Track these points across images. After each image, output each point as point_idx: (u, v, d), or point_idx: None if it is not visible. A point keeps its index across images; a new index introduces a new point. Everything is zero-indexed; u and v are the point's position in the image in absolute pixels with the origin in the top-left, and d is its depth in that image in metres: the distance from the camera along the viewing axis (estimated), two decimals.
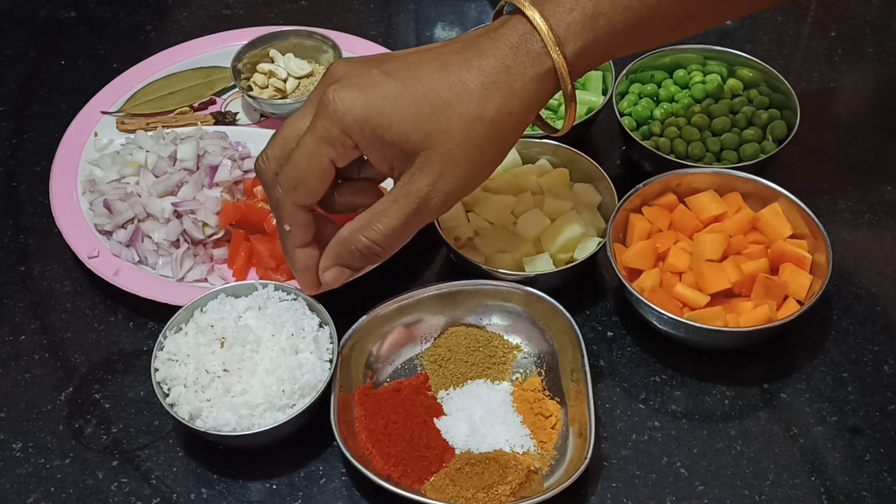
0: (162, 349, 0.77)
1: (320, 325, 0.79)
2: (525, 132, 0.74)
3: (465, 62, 0.69)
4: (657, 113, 0.94)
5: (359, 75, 0.69)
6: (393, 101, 0.68)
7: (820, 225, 0.81)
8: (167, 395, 0.75)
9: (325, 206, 0.75)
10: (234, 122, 1.01)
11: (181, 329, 0.79)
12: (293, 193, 0.72)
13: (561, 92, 0.71)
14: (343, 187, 0.75)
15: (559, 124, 0.77)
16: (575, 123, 0.91)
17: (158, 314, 0.83)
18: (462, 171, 0.69)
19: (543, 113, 0.83)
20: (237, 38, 1.05)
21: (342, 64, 0.71)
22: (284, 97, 1.01)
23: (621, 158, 0.97)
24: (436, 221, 0.85)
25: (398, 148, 0.69)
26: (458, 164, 0.69)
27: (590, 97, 0.95)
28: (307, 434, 0.76)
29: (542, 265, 0.82)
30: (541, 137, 0.89)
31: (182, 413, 0.74)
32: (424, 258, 0.89)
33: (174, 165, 0.91)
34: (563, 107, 0.80)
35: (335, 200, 0.75)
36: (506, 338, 0.81)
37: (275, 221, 0.76)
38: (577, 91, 0.76)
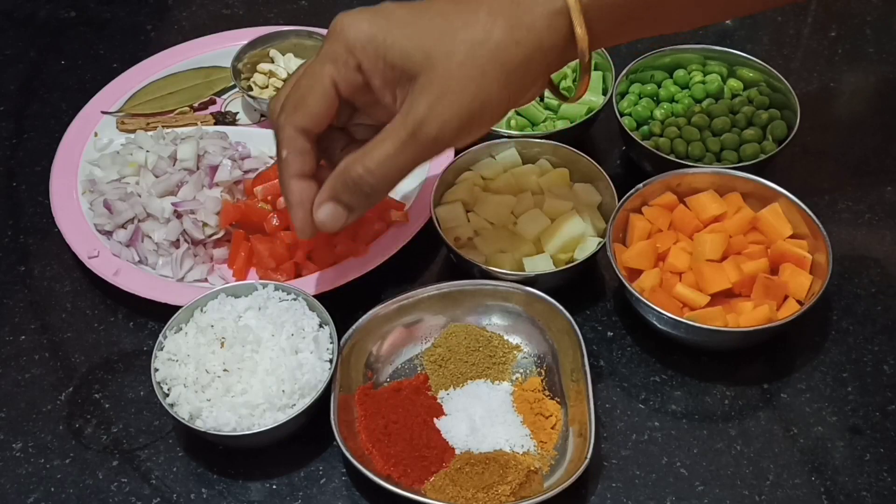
0: (162, 349, 0.77)
1: (320, 325, 0.79)
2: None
3: None
4: (657, 113, 0.94)
5: (371, 8, 0.69)
6: (399, 24, 0.67)
7: (820, 225, 0.81)
8: (167, 395, 0.75)
9: (332, 164, 0.74)
10: (234, 122, 1.01)
11: (181, 329, 0.79)
12: (293, 115, 0.70)
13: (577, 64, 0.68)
14: (351, 147, 0.74)
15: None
16: (575, 123, 0.92)
17: (158, 314, 0.83)
18: (462, 97, 0.67)
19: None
20: (237, 38, 1.05)
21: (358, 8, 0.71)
22: None
23: (621, 158, 0.97)
24: (436, 221, 0.85)
25: (399, 69, 0.67)
26: (457, 88, 0.67)
27: (590, 97, 0.95)
28: (307, 434, 0.76)
29: (542, 265, 0.82)
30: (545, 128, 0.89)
31: (182, 413, 0.74)
32: (424, 258, 0.89)
33: (174, 165, 0.91)
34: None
35: (342, 159, 0.73)
36: (506, 338, 0.81)
37: (276, 153, 0.74)
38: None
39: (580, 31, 0.67)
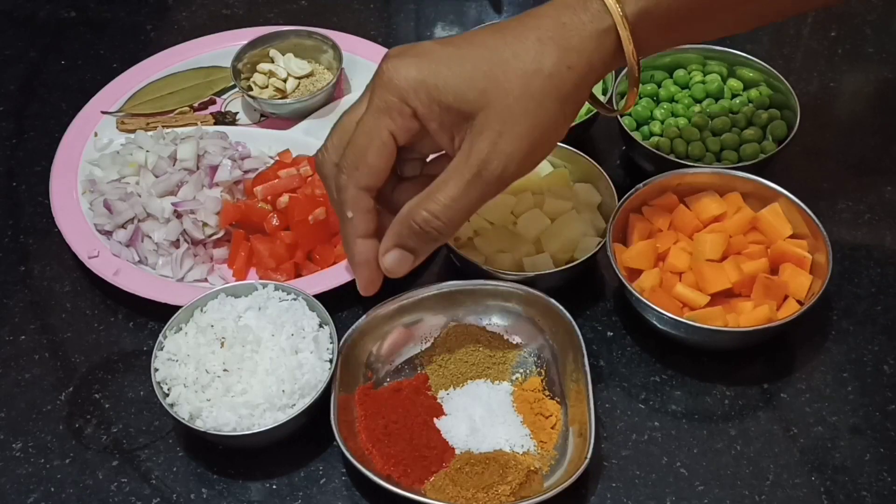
0: (162, 349, 0.77)
1: (320, 325, 0.79)
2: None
3: (520, 23, 0.67)
4: (657, 113, 0.94)
5: (413, 48, 0.68)
6: (448, 63, 0.66)
7: (820, 225, 0.81)
8: (167, 395, 0.75)
9: (385, 205, 0.73)
10: (234, 122, 1.01)
11: (181, 329, 0.79)
12: (355, 174, 0.69)
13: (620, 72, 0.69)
14: (403, 185, 0.74)
15: None
16: (575, 123, 0.92)
17: (158, 314, 0.83)
18: (522, 129, 0.66)
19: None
20: (237, 38, 1.05)
21: (397, 47, 0.70)
22: (284, 97, 1.01)
23: (621, 158, 0.97)
24: None
25: (455, 111, 0.66)
26: (517, 121, 0.66)
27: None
28: (307, 434, 0.76)
29: (542, 265, 0.82)
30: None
31: (182, 413, 0.74)
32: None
33: (174, 165, 0.91)
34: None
35: (395, 200, 0.73)
36: (506, 338, 0.81)
37: (338, 213, 0.73)
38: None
39: (629, 47, 0.67)
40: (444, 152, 0.73)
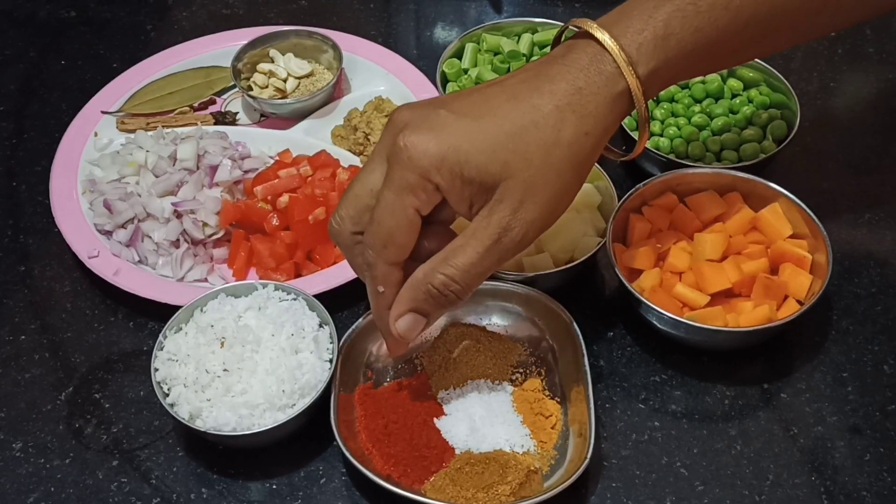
0: (162, 349, 0.77)
1: (320, 325, 0.79)
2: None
3: (535, 89, 0.67)
4: (657, 113, 0.94)
5: (427, 118, 0.67)
6: (467, 137, 0.66)
7: (820, 225, 0.81)
8: (167, 395, 0.75)
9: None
10: (234, 122, 1.01)
11: (181, 329, 0.79)
12: (384, 252, 0.68)
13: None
14: (420, 243, 0.72)
15: None
16: None
17: (158, 314, 0.83)
18: (543, 198, 0.67)
19: None
20: (237, 38, 1.05)
21: (405, 110, 0.68)
22: (284, 97, 1.01)
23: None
24: None
25: (478, 183, 0.66)
26: (538, 191, 0.66)
27: None
28: (307, 434, 0.76)
29: (542, 265, 0.82)
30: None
31: (182, 413, 0.74)
32: None
33: (174, 165, 0.91)
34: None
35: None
36: (506, 338, 0.81)
37: (367, 286, 0.72)
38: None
39: (642, 105, 0.68)
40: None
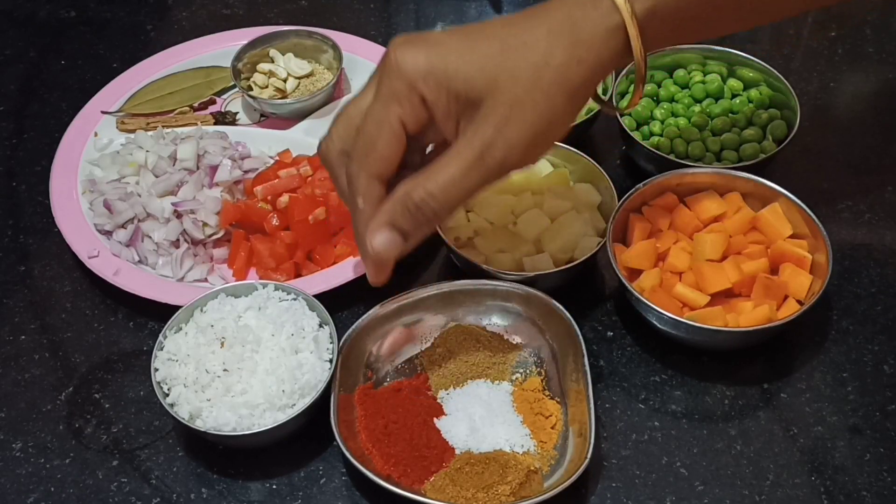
0: (162, 349, 0.77)
1: (320, 325, 0.79)
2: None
3: (530, 16, 0.68)
4: (657, 113, 0.94)
5: (421, 37, 0.68)
6: (458, 53, 0.66)
7: (820, 225, 0.81)
8: (167, 395, 0.75)
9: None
10: (234, 122, 1.01)
11: (181, 329, 0.79)
12: (366, 162, 0.69)
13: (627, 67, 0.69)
14: (403, 174, 0.72)
15: None
16: (575, 123, 0.92)
17: (158, 314, 0.83)
18: (529, 119, 0.66)
19: None
20: (237, 38, 1.05)
21: (402, 35, 0.69)
22: (284, 97, 1.01)
23: (621, 158, 0.97)
24: None
25: (464, 98, 0.66)
26: (524, 110, 0.66)
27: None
28: (307, 434, 0.76)
29: (542, 265, 0.82)
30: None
31: (182, 413, 0.74)
32: (424, 258, 0.89)
33: (174, 165, 0.91)
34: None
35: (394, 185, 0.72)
36: (506, 338, 0.81)
37: (349, 205, 0.72)
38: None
39: (637, 45, 0.67)
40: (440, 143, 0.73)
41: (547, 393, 0.78)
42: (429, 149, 0.75)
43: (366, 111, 0.69)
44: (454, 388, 0.79)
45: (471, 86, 0.66)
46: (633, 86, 0.96)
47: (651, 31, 0.68)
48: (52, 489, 0.76)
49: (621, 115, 0.89)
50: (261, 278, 0.86)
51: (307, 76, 1.03)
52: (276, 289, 0.80)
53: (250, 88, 1.02)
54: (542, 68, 0.66)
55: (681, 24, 0.70)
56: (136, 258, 0.88)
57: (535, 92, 0.66)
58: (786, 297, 0.80)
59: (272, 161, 0.94)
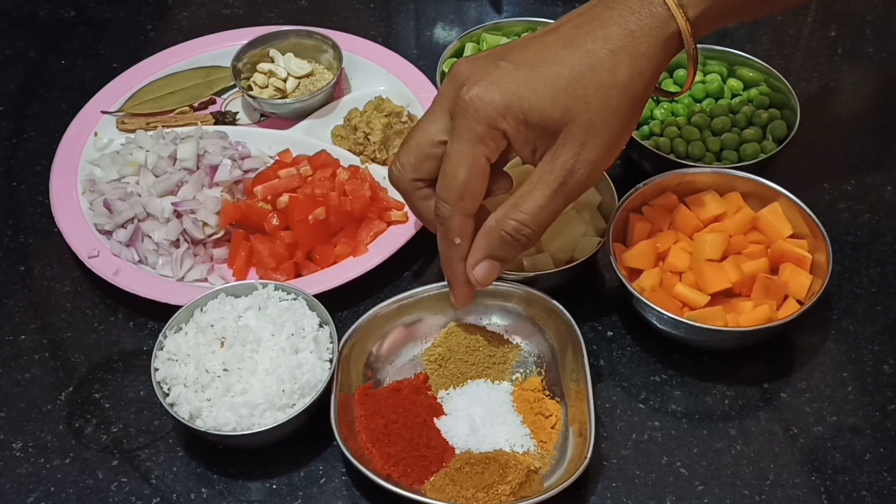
0: (162, 349, 0.77)
1: (320, 325, 0.79)
2: None
3: (588, 34, 0.70)
4: (657, 113, 0.94)
5: (487, 71, 0.70)
6: (528, 86, 0.69)
7: (820, 225, 0.81)
8: (167, 395, 0.75)
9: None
10: (234, 122, 1.01)
11: (181, 329, 0.79)
12: (461, 204, 0.72)
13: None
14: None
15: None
16: None
17: (158, 314, 0.83)
18: (603, 138, 0.70)
19: None
20: (237, 38, 1.05)
21: (464, 64, 0.72)
22: (284, 97, 1.01)
23: (621, 158, 0.96)
24: None
25: (541, 128, 0.69)
26: (598, 132, 0.69)
27: None
28: (307, 434, 0.76)
29: (542, 265, 0.82)
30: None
31: (182, 413, 0.74)
32: (424, 258, 0.89)
33: (174, 165, 0.91)
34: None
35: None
36: (506, 338, 0.81)
37: (439, 238, 0.75)
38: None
39: (691, 47, 0.71)
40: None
41: (547, 393, 0.78)
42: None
43: (449, 153, 0.71)
44: (454, 388, 0.79)
45: (546, 117, 0.69)
46: None
47: (699, 30, 0.71)
48: (52, 489, 0.76)
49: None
50: (261, 278, 0.86)
51: (307, 76, 1.03)
52: (276, 289, 0.80)
53: (250, 88, 1.02)
54: (610, 89, 0.69)
55: (724, 18, 0.74)
56: (136, 258, 0.88)
57: (605, 112, 0.69)
58: (786, 297, 0.80)
59: (272, 161, 0.94)
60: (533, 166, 0.72)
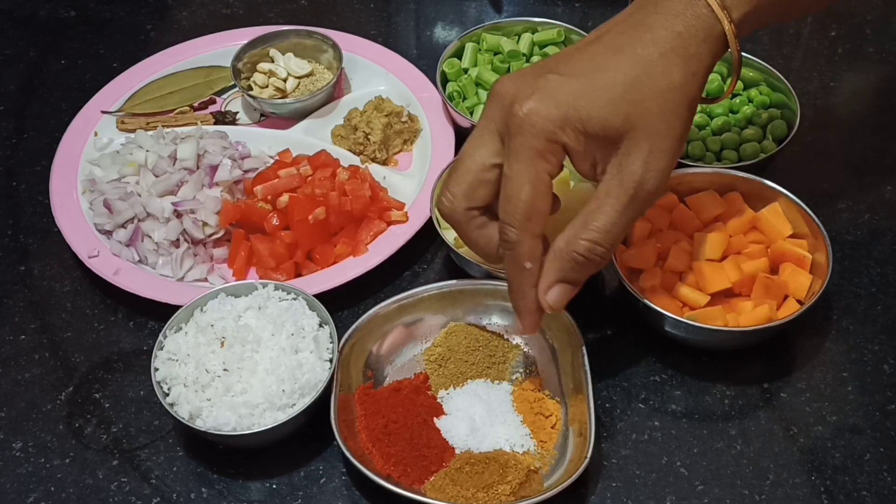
0: (162, 349, 0.77)
1: (320, 325, 0.79)
2: None
3: (636, 40, 0.68)
4: None
5: (537, 85, 0.67)
6: (583, 95, 0.67)
7: (820, 225, 0.81)
8: (167, 395, 0.75)
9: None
10: (234, 122, 1.01)
11: (181, 329, 0.79)
12: (529, 226, 0.68)
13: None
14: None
15: None
16: None
17: (158, 314, 0.83)
18: (668, 143, 0.68)
19: None
20: (237, 38, 1.05)
21: (507, 82, 0.69)
22: (284, 97, 1.01)
23: None
24: (435, 221, 0.85)
25: (602, 138, 0.67)
26: (663, 137, 0.67)
27: None
28: (307, 434, 0.76)
29: None
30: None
31: (182, 413, 0.74)
32: (424, 258, 0.89)
33: (174, 165, 0.91)
34: None
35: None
36: (506, 338, 0.81)
37: (508, 264, 0.71)
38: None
39: (735, 48, 0.70)
40: None
41: (547, 392, 0.78)
42: None
43: (508, 175, 0.68)
44: (454, 387, 0.79)
45: (607, 125, 0.67)
46: None
47: (742, 31, 0.70)
48: (52, 489, 0.76)
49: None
50: (261, 278, 0.86)
51: (307, 76, 1.03)
52: (276, 288, 0.80)
53: (250, 88, 1.02)
54: (667, 92, 0.67)
55: (766, 19, 0.72)
56: (136, 258, 0.88)
57: (666, 116, 0.67)
58: (786, 297, 0.80)
59: (272, 161, 0.94)
60: (593, 182, 0.70)
